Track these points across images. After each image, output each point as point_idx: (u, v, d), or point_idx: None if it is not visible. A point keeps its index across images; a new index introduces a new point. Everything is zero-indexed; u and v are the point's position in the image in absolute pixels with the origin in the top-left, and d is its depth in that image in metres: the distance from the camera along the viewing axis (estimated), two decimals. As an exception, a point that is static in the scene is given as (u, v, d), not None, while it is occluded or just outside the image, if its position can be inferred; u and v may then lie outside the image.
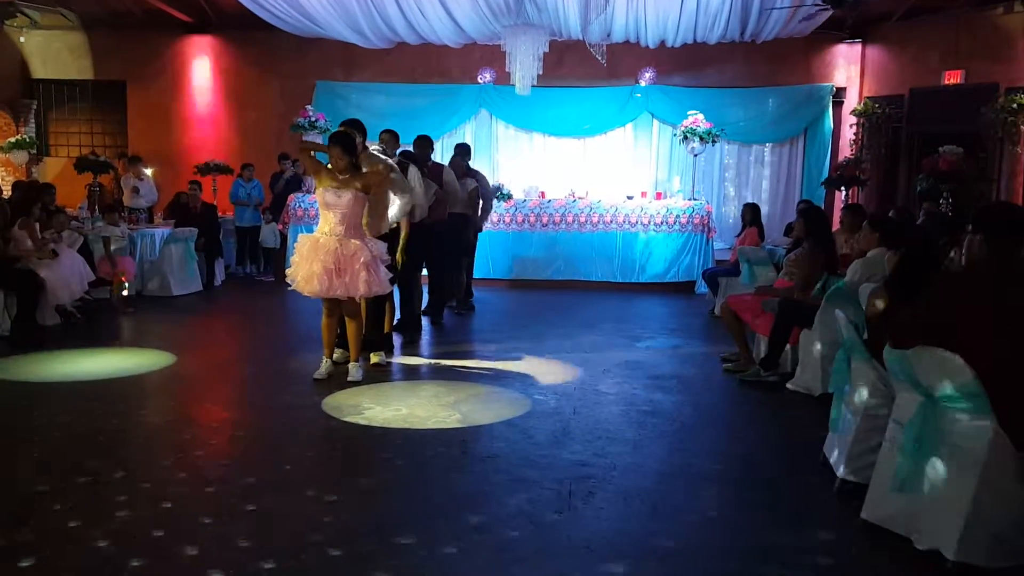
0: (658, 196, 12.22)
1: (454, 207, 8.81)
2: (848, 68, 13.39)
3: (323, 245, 6.02)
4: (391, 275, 6.31)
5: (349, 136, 6.25)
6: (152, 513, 3.79)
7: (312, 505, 3.94)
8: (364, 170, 6.21)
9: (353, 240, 6.03)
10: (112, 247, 9.57)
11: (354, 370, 6.29)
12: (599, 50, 11.76)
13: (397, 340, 7.57)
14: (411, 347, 7.65)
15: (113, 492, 4.03)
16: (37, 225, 8.35)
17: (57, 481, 4.15)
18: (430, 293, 8.77)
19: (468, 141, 13.79)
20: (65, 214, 9.28)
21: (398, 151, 7.64)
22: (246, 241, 12.61)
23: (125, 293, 9.33)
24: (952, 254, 5.77)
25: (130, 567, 3.28)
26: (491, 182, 12.18)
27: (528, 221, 11.77)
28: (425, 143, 8.49)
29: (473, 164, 11.45)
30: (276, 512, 3.84)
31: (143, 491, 4.05)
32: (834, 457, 4.37)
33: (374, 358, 6.78)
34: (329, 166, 6.18)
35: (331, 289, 6.00)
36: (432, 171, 8.32)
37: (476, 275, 10.49)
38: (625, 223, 11.61)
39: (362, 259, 5.99)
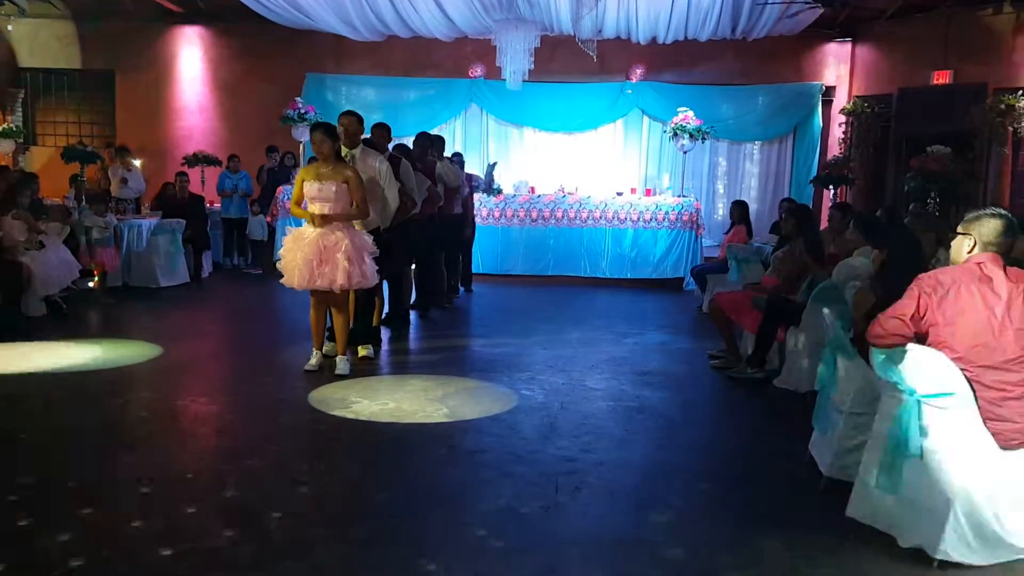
0: (647, 193, 12.26)
1: (451, 203, 8.82)
2: (838, 67, 13.44)
3: (305, 236, 6.01)
4: (378, 268, 6.28)
5: (331, 124, 6.28)
6: (127, 505, 3.77)
7: (295, 499, 3.93)
8: (349, 162, 6.24)
9: (336, 232, 6.01)
10: (94, 237, 9.50)
11: (341, 363, 6.26)
12: (590, 46, 11.76)
13: (385, 334, 7.56)
14: (399, 341, 7.64)
15: (92, 484, 4.01)
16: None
17: (40, 472, 4.13)
18: (418, 287, 8.76)
19: (459, 135, 13.85)
20: (64, 207, 9.24)
21: (391, 145, 7.64)
22: (233, 233, 12.57)
23: (91, 285, 9.26)
24: (938, 254, 5.79)
25: (103, 555, 3.28)
26: (482, 176, 12.21)
27: (517, 216, 11.77)
28: (424, 140, 8.48)
29: (464, 158, 11.48)
30: (256, 507, 3.82)
31: (121, 484, 4.02)
32: (819, 455, 4.40)
33: (362, 351, 6.77)
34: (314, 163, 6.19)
35: (312, 280, 5.97)
36: (427, 167, 8.30)
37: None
38: (614, 219, 11.62)
39: (343, 250, 5.96)
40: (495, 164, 12.37)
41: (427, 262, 8.66)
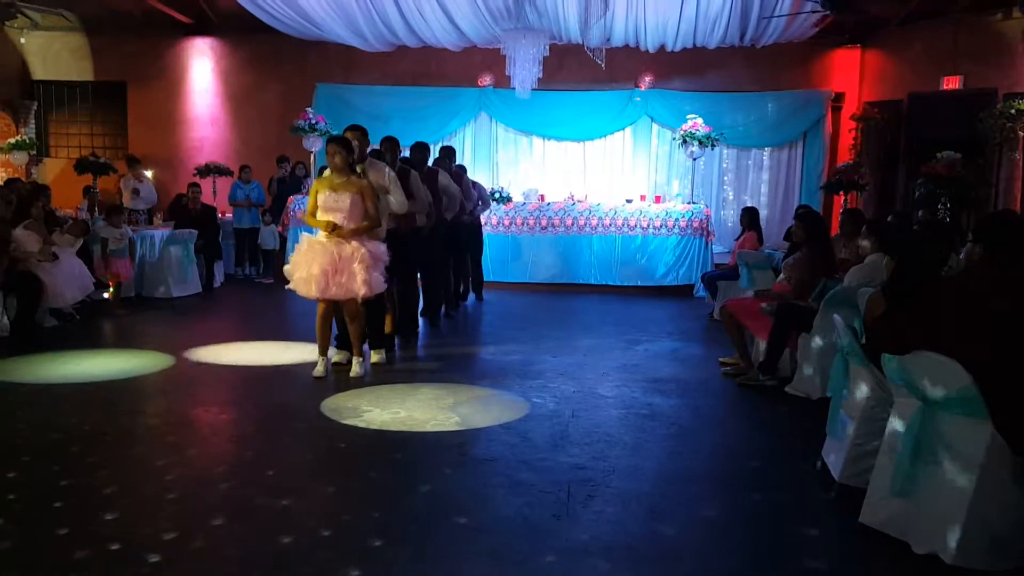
0: (657, 200, 12.25)
1: (452, 211, 8.85)
2: (847, 73, 13.42)
3: (321, 247, 6.09)
4: (386, 277, 6.36)
5: (346, 138, 6.41)
6: (141, 515, 3.79)
7: (308, 508, 3.94)
8: (362, 175, 6.35)
9: (351, 242, 6.09)
10: (109, 248, 9.58)
11: (356, 366, 6.41)
12: (598, 54, 11.78)
13: (396, 342, 7.59)
14: (410, 349, 7.66)
15: (107, 493, 4.03)
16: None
17: (54, 481, 4.16)
18: (425, 295, 8.78)
19: (468, 144, 13.90)
20: (84, 221, 9.33)
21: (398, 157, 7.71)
22: (245, 243, 12.63)
23: (106, 295, 9.33)
24: (950, 260, 5.78)
25: (113, 567, 3.29)
26: (491, 185, 12.25)
27: (527, 224, 11.78)
28: (423, 148, 8.52)
29: (474, 167, 11.52)
30: (270, 515, 3.84)
31: (136, 493, 4.05)
32: (832, 461, 4.38)
33: (375, 357, 6.85)
34: (327, 172, 6.28)
35: (327, 290, 6.08)
36: (428, 176, 8.34)
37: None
38: (624, 227, 11.62)
39: (358, 259, 6.06)
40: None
41: (434, 270, 8.69)
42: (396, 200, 6.83)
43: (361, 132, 6.72)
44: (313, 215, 6.28)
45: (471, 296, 10.49)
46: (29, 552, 3.41)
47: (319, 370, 6.37)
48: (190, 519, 3.74)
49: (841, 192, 12.32)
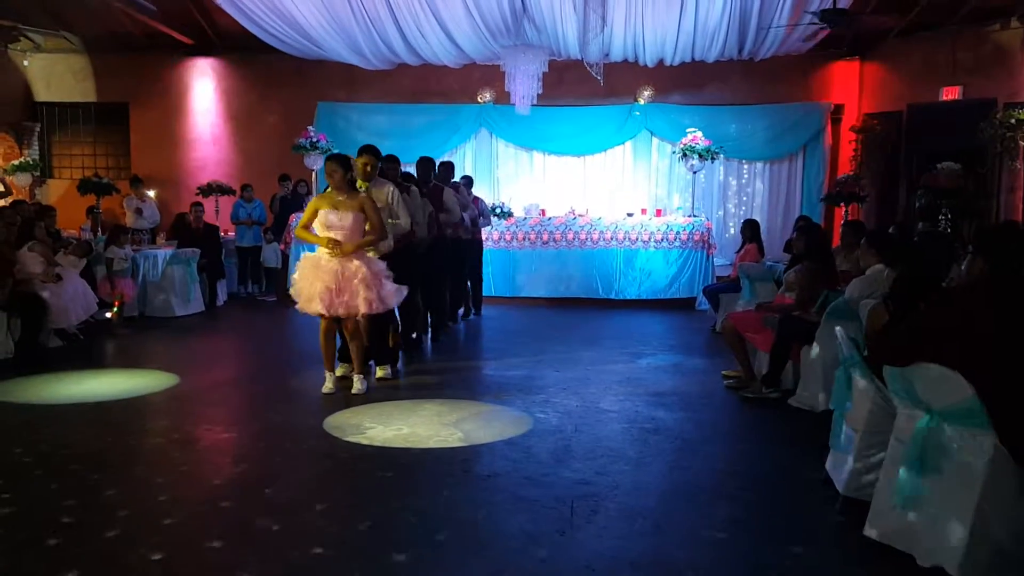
0: (658, 213, 12.28)
1: (450, 225, 8.89)
2: (846, 85, 13.46)
3: (324, 265, 6.12)
4: (399, 288, 6.38)
5: (345, 155, 6.48)
6: (146, 534, 3.79)
7: (310, 526, 3.94)
8: (363, 193, 6.42)
9: (354, 260, 6.11)
10: (114, 268, 9.62)
11: (358, 383, 6.40)
12: (597, 69, 11.84)
13: (400, 357, 7.60)
14: (411, 364, 7.66)
15: (112, 512, 4.03)
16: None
17: (59, 502, 4.16)
18: (427, 311, 8.79)
19: (469, 160, 13.94)
20: (87, 242, 9.36)
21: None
22: (247, 261, 12.67)
23: (109, 315, 9.34)
24: (952, 271, 5.78)
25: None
26: (492, 200, 12.28)
27: (528, 239, 11.81)
28: (428, 165, 8.56)
29: (475, 183, 11.53)
30: (273, 533, 3.83)
31: (140, 512, 4.05)
32: (836, 474, 4.37)
33: (380, 372, 6.89)
34: (329, 189, 6.33)
35: (332, 308, 6.10)
36: (433, 192, 8.38)
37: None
38: (625, 240, 11.65)
39: (360, 277, 6.09)
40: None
41: (434, 285, 8.71)
42: (403, 221, 6.90)
43: (375, 154, 6.85)
44: (305, 227, 6.29)
45: (472, 310, 10.50)
46: (21, 567, 3.41)
47: (328, 386, 6.39)
48: (188, 539, 3.74)
49: (842, 204, 12.34)
